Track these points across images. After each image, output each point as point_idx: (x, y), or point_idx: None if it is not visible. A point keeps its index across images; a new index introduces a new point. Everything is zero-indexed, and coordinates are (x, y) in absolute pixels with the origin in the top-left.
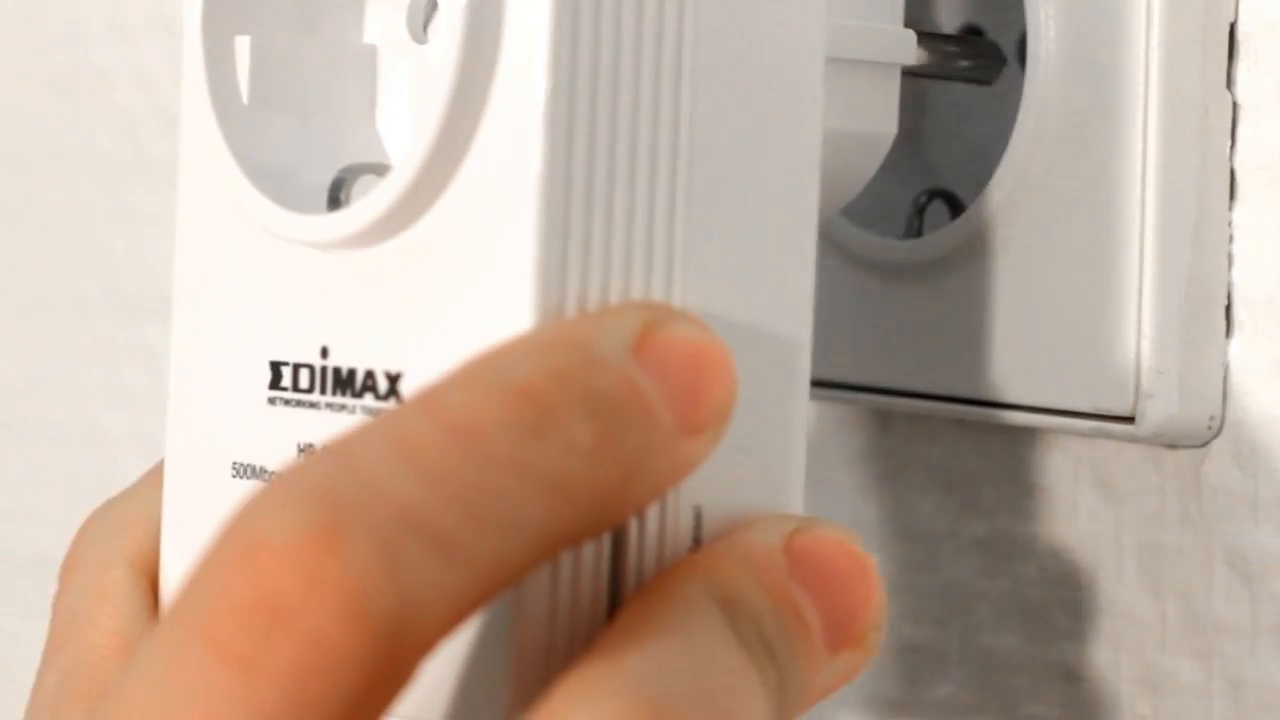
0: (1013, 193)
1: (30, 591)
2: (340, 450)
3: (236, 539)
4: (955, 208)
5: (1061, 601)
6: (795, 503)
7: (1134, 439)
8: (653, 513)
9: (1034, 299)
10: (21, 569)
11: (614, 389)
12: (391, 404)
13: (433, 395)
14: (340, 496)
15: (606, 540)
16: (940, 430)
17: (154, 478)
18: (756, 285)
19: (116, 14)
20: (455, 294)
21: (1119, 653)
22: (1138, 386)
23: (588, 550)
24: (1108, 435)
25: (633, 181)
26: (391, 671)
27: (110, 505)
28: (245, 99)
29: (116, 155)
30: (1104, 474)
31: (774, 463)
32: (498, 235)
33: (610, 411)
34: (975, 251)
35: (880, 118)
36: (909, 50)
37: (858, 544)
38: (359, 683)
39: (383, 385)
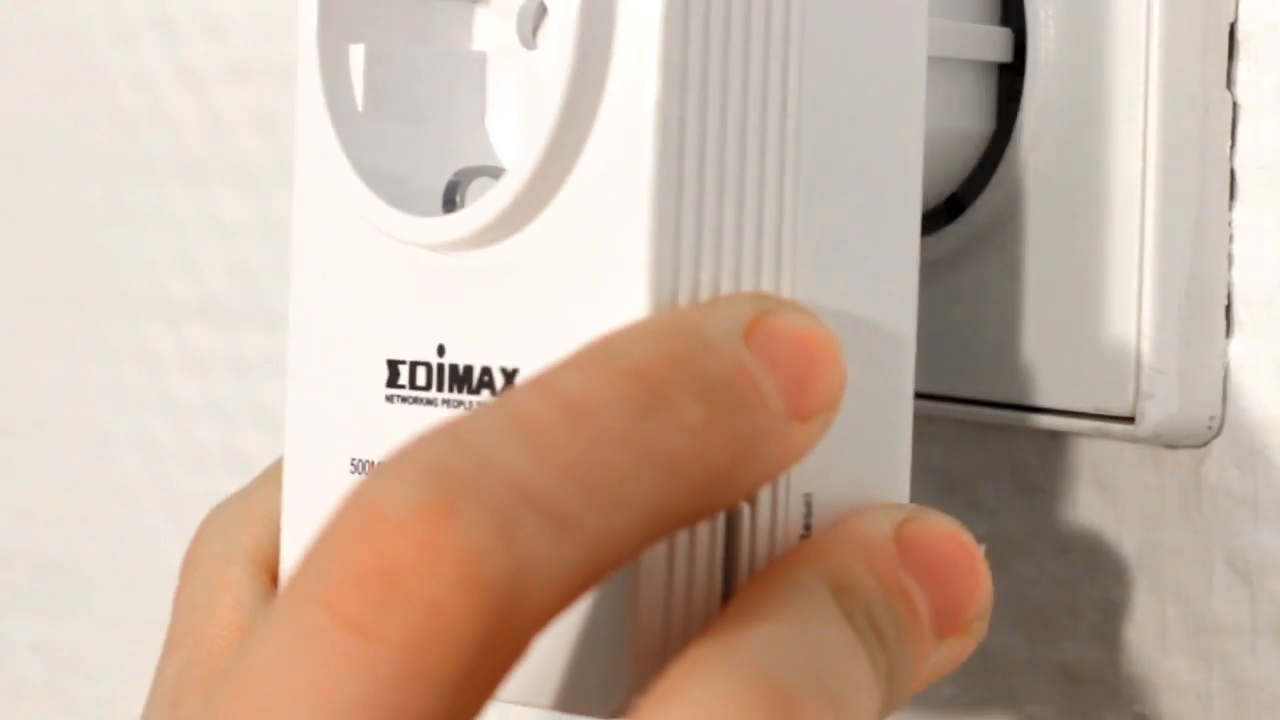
0: (1013, 193)
1: (30, 591)
2: (456, 427)
3: (355, 511)
4: (955, 208)
5: (1061, 601)
6: (902, 492)
7: (1134, 439)
8: (764, 500)
9: (1034, 299)
10: (21, 569)
11: (725, 371)
12: None
13: (547, 376)
14: (456, 470)
15: (720, 526)
16: (940, 430)
17: (272, 474)
18: (863, 279)
19: (116, 14)
20: (571, 291)
21: (1119, 653)
22: (1138, 386)
23: (702, 535)
24: (1108, 435)
25: (742, 179)
26: (505, 642)
27: (229, 502)
28: (360, 105)
29: (116, 155)
30: (1104, 474)
31: (882, 453)
32: (612, 234)
33: (720, 393)
34: (975, 251)
35: (978, 115)
36: (1006, 48)
37: (966, 534)
38: (473, 651)
39: (499, 382)
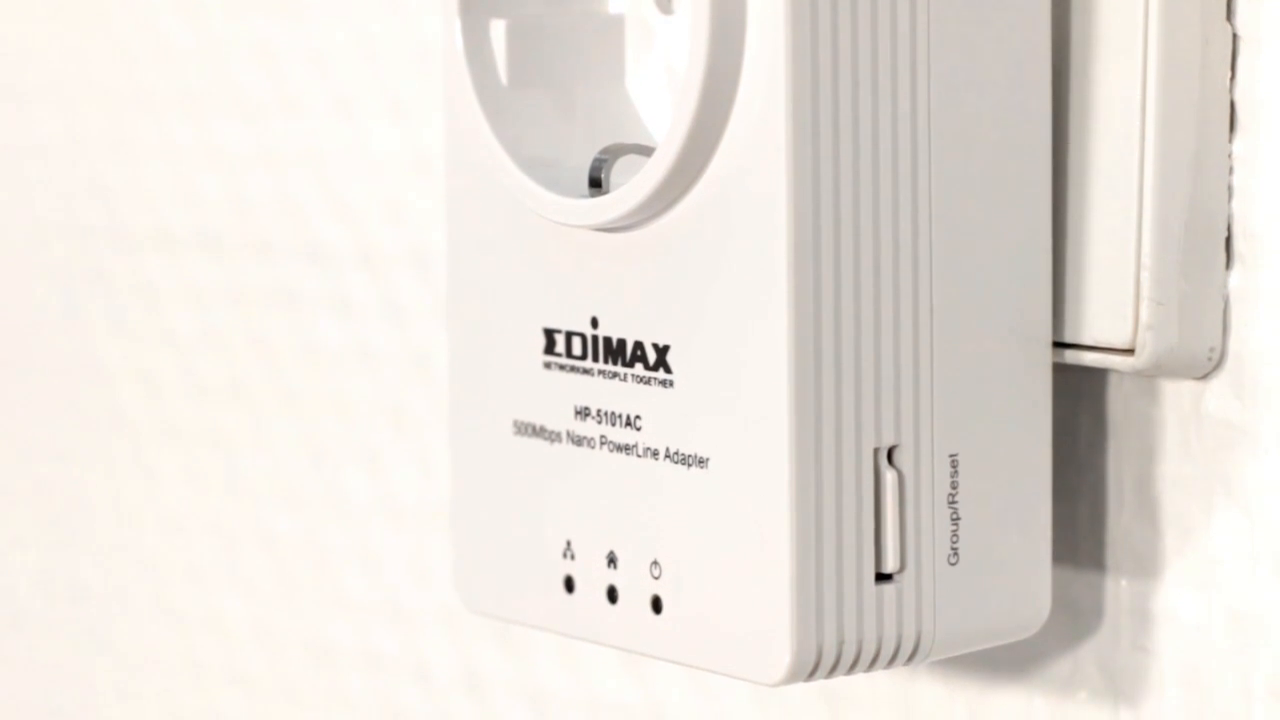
0: None
1: (29, 523)
2: None
3: None
4: None
5: (1061, 534)
6: (1045, 449)
7: (1134, 370)
8: (909, 462)
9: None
10: (20, 500)
11: None
12: (661, 374)
13: None
14: None
15: (867, 489)
16: None
17: None
18: (996, 229)
19: None
20: (717, 271)
21: (1119, 585)
22: (1137, 318)
23: (849, 499)
24: (1107, 367)
25: (876, 138)
26: None
27: None
28: (504, 80)
29: (116, 87)
30: (1104, 405)
31: (1025, 410)
32: (753, 212)
33: None
34: None
35: None
36: None
37: None
38: None
39: (651, 356)
